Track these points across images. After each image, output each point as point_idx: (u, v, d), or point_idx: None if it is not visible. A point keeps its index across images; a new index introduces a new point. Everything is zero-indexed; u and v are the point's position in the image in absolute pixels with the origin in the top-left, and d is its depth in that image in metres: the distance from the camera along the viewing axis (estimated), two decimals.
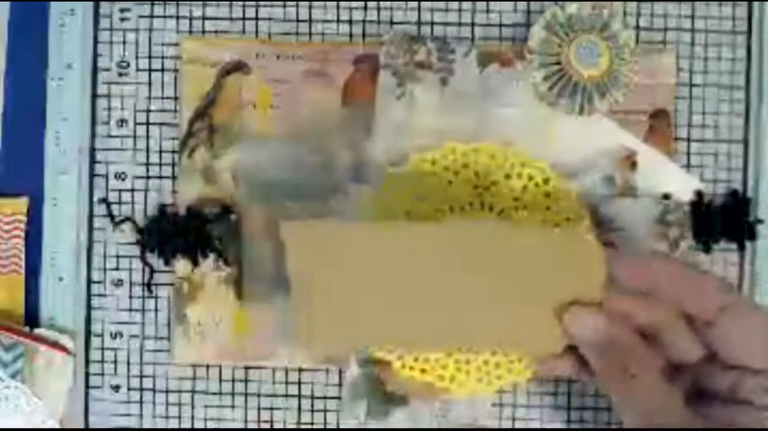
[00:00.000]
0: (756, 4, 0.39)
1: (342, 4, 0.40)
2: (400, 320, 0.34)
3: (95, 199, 0.40)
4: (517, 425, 0.40)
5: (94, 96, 0.40)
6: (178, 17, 0.40)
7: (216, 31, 0.40)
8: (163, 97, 0.40)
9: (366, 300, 0.34)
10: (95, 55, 0.40)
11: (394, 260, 0.34)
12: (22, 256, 0.40)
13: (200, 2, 0.40)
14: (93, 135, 0.40)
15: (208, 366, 0.40)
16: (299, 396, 0.40)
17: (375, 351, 0.37)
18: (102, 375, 0.40)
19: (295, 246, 0.34)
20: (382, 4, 0.40)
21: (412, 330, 0.34)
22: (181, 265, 0.39)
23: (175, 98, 0.40)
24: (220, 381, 0.40)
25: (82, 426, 0.40)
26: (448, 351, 0.37)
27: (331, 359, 0.39)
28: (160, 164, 0.40)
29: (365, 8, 0.40)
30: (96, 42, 0.40)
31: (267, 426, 0.40)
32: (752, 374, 0.31)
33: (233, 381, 0.40)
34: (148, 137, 0.40)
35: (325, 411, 0.40)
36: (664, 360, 0.33)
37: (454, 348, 0.36)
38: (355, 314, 0.34)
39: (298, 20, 0.40)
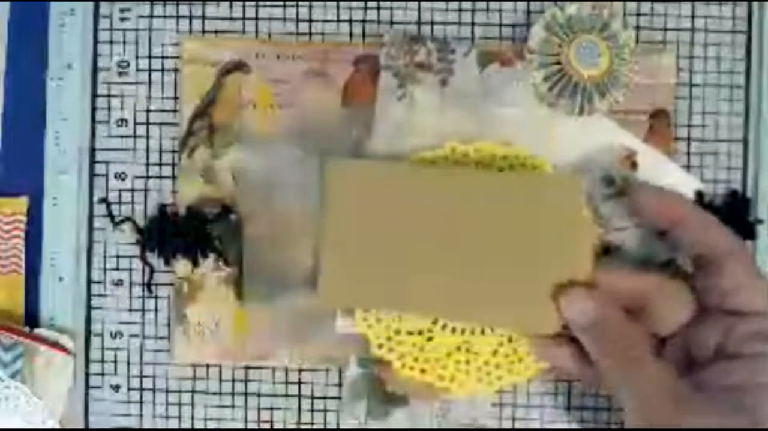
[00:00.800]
0: (756, 4, 0.39)
1: (342, 4, 0.40)
2: (418, 280, 0.36)
3: (95, 199, 0.40)
4: (517, 425, 0.40)
5: (94, 96, 0.40)
6: (178, 17, 0.40)
7: (216, 31, 0.40)
8: (163, 97, 0.40)
9: (394, 251, 0.36)
10: (95, 55, 0.40)
11: (435, 203, 0.35)
12: (22, 256, 0.40)
13: (200, 2, 0.40)
14: (93, 135, 0.40)
15: (208, 366, 0.40)
16: (299, 396, 0.40)
17: (385, 308, 0.37)
18: (102, 375, 0.40)
19: (336, 185, 0.36)
20: (382, 4, 0.40)
21: (425, 293, 0.36)
22: (181, 265, 0.39)
23: (175, 98, 0.40)
24: (220, 381, 0.40)
25: (82, 426, 0.40)
26: (454, 320, 0.37)
27: (344, 304, 0.38)
28: (160, 164, 0.40)
29: (365, 8, 0.40)
30: (96, 42, 0.40)
31: (267, 426, 0.40)
32: (744, 319, 0.32)
33: (233, 381, 0.40)
34: (148, 137, 0.40)
35: (325, 411, 0.40)
36: (653, 334, 0.34)
37: (460, 318, 0.37)
38: (381, 265, 0.36)
39: (298, 20, 0.40)
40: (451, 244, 0.35)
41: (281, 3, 0.40)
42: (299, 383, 0.40)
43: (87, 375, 0.40)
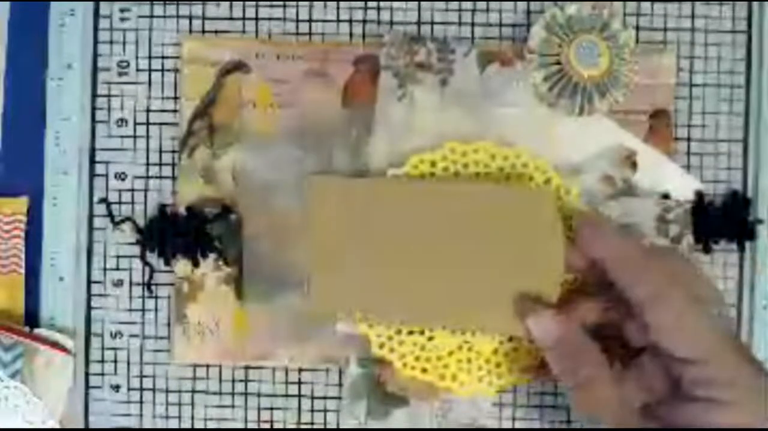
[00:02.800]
0: (756, 4, 0.39)
1: (342, 4, 0.39)
2: (403, 289, 0.36)
3: (95, 199, 0.40)
4: (517, 425, 0.40)
5: (94, 96, 0.40)
6: (178, 17, 0.40)
7: (216, 31, 0.40)
8: (163, 97, 0.40)
9: (378, 261, 0.36)
10: (95, 55, 0.40)
11: (417, 216, 0.36)
12: (22, 256, 0.40)
13: (200, 2, 0.40)
14: (93, 135, 0.40)
15: (208, 366, 0.40)
16: (299, 396, 0.40)
17: (370, 317, 0.38)
18: (102, 375, 0.40)
19: (318, 200, 0.37)
20: (382, 4, 0.40)
21: (411, 302, 0.36)
22: (181, 265, 0.39)
23: (175, 98, 0.40)
24: (220, 381, 0.40)
25: (82, 426, 0.40)
26: (437, 326, 0.38)
27: (333, 311, 0.38)
28: (160, 164, 0.40)
29: (365, 8, 0.40)
30: (96, 42, 0.40)
31: (267, 426, 0.40)
32: (689, 366, 0.31)
33: (233, 381, 0.40)
34: (148, 137, 0.40)
35: (325, 411, 0.40)
36: (620, 356, 0.34)
37: (441, 324, 0.37)
38: (365, 274, 0.37)
39: (298, 20, 0.40)
40: (428, 254, 0.36)
41: (281, 3, 0.40)
42: (299, 383, 0.40)
43: (87, 375, 0.40)
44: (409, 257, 0.36)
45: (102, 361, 0.40)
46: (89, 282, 0.40)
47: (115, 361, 0.40)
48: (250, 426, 0.40)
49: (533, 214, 0.35)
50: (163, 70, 0.40)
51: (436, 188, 0.37)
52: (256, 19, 0.40)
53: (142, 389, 0.40)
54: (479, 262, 0.36)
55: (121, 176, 0.40)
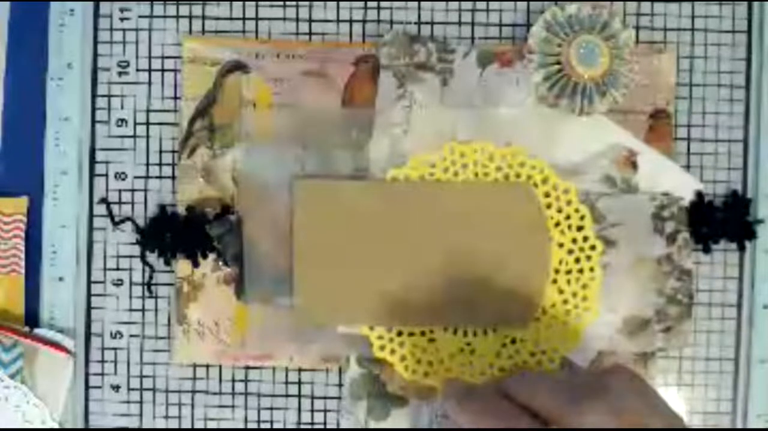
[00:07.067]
0: (756, 4, 0.39)
1: (342, 4, 0.39)
2: (392, 291, 0.37)
3: (95, 199, 0.40)
4: None
5: (94, 96, 0.40)
6: (178, 17, 0.40)
7: (216, 31, 0.40)
8: (163, 97, 0.40)
9: (366, 263, 0.37)
10: (95, 55, 0.40)
11: (404, 218, 0.37)
12: (22, 256, 0.40)
13: (200, 2, 0.40)
14: (93, 135, 0.40)
15: (208, 366, 0.40)
16: (299, 396, 0.40)
17: (363, 322, 0.38)
18: (102, 375, 0.40)
19: (305, 204, 0.37)
20: (382, 4, 0.40)
21: (400, 305, 0.37)
22: (181, 265, 0.39)
23: (175, 98, 0.40)
24: (220, 381, 0.40)
25: (82, 426, 0.40)
26: (428, 328, 0.38)
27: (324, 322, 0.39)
28: (160, 164, 0.40)
29: (365, 8, 0.40)
30: (96, 42, 0.40)
31: (267, 426, 0.40)
32: None
33: (233, 381, 0.40)
34: (148, 137, 0.40)
35: (325, 411, 0.40)
36: None
37: (431, 324, 0.38)
38: (353, 277, 0.37)
39: (298, 20, 0.40)
40: (417, 255, 0.37)
41: (281, 3, 0.40)
42: (299, 383, 0.40)
43: (87, 375, 0.40)
44: (398, 259, 0.37)
45: (102, 361, 0.40)
46: (89, 282, 0.40)
47: (115, 361, 0.40)
48: (250, 426, 0.40)
49: (517, 208, 0.36)
50: (163, 70, 0.40)
51: (420, 189, 0.37)
52: (256, 19, 0.40)
53: (142, 389, 0.40)
54: (468, 260, 0.36)
55: (121, 176, 0.40)
